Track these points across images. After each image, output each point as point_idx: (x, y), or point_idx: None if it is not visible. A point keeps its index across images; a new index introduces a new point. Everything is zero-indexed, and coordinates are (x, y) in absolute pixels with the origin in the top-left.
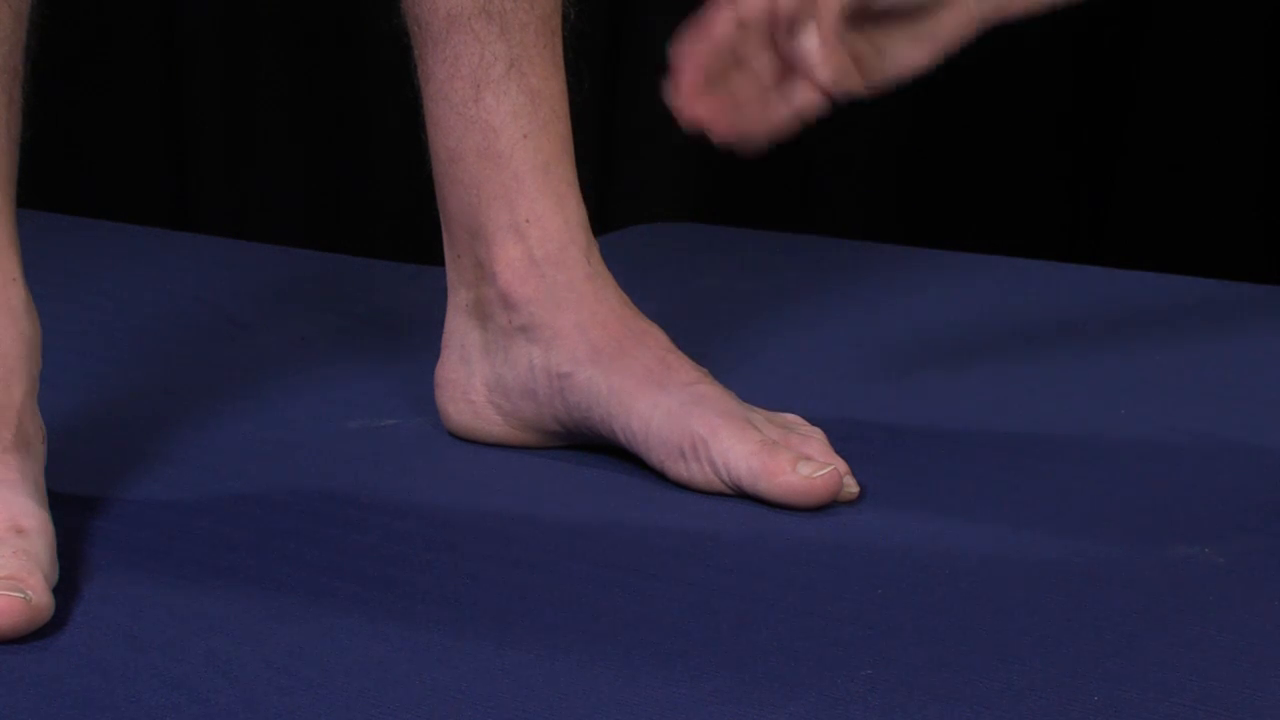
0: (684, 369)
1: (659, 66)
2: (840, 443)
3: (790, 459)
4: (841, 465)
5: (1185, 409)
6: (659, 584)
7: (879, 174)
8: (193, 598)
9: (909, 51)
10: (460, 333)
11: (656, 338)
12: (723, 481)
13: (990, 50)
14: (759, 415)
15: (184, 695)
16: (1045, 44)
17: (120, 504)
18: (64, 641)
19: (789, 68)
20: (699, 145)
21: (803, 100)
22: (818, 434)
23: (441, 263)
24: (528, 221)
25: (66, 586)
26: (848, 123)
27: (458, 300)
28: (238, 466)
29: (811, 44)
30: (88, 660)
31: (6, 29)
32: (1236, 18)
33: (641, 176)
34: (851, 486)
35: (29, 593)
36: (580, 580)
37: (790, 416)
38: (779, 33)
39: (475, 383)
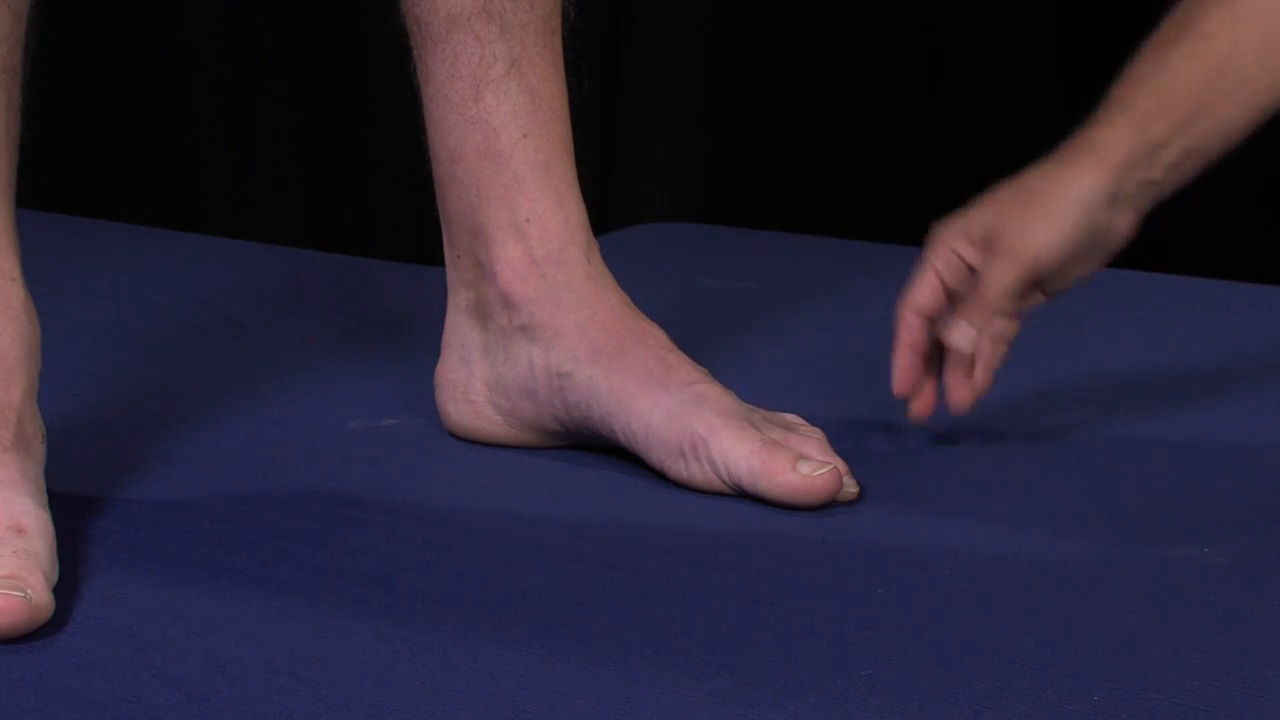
0: (684, 369)
1: (659, 67)
2: (840, 443)
3: (790, 458)
4: (841, 465)
5: (1185, 409)
6: (659, 584)
7: (879, 174)
8: (193, 598)
9: (1085, 266)
10: (460, 333)
11: (656, 337)
12: (723, 481)
13: (990, 50)
14: (759, 415)
15: (184, 695)
16: (1046, 44)
17: (120, 504)
18: (64, 641)
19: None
20: (699, 145)
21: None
22: (818, 434)
23: (441, 263)
24: (528, 221)
25: (66, 586)
26: (847, 122)
27: (458, 300)
28: (238, 466)
29: (962, 335)
30: (88, 660)
31: (6, 29)
32: None
33: (641, 176)
34: (851, 486)
35: (29, 592)
36: (580, 580)
37: (790, 416)
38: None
39: (475, 383)
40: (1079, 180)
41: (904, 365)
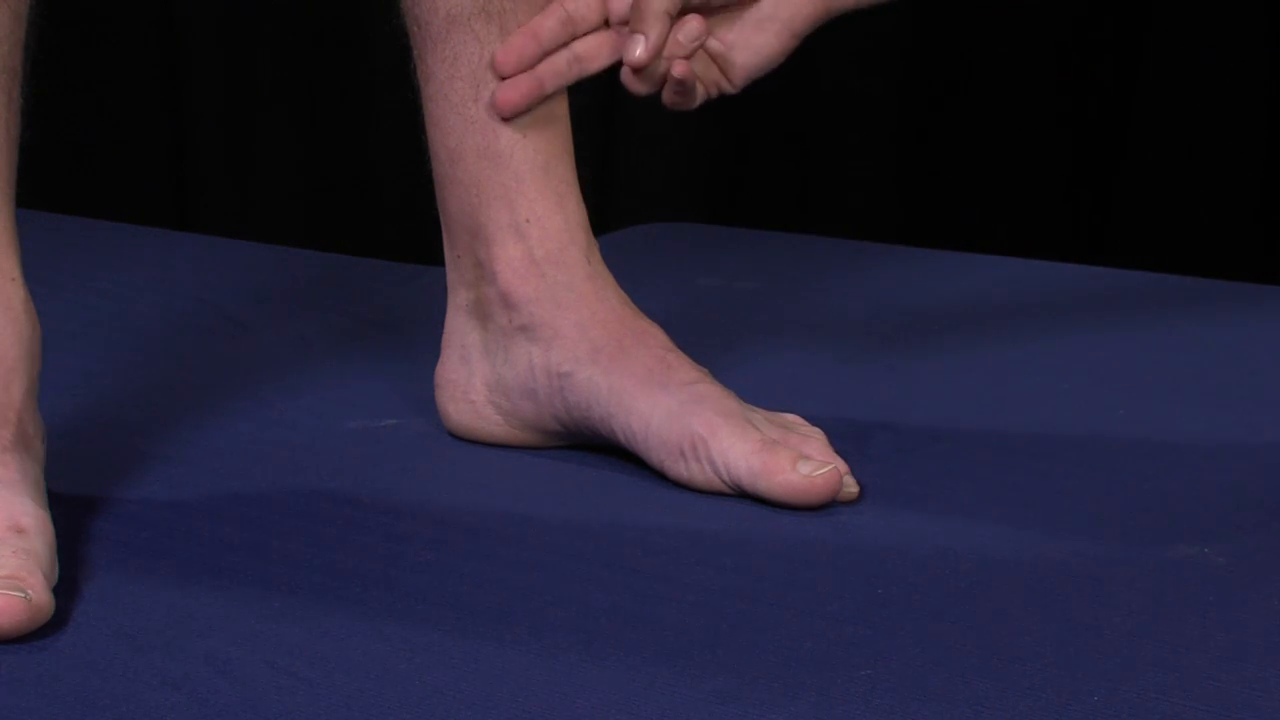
0: (684, 369)
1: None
2: (840, 443)
3: (790, 458)
4: (841, 465)
5: (1185, 409)
6: (659, 584)
7: (879, 174)
8: (193, 598)
9: (761, 41)
10: (460, 333)
11: (656, 337)
12: (723, 481)
13: (990, 50)
14: (759, 415)
15: (184, 695)
16: (1045, 44)
17: (120, 504)
18: (64, 641)
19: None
20: (699, 145)
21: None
22: (818, 434)
23: (441, 263)
24: (528, 221)
25: (66, 586)
26: (847, 122)
27: (458, 300)
28: (238, 466)
29: (637, 50)
30: (88, 660)
31: (6, 29)
32: (1237, 17)
33: (641, 176)
34: (851, 486)
35: (29, 592)
36: (580, 580)
37: (790, 416)
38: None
39: (475, 383)
40: None
41: (520, 50)
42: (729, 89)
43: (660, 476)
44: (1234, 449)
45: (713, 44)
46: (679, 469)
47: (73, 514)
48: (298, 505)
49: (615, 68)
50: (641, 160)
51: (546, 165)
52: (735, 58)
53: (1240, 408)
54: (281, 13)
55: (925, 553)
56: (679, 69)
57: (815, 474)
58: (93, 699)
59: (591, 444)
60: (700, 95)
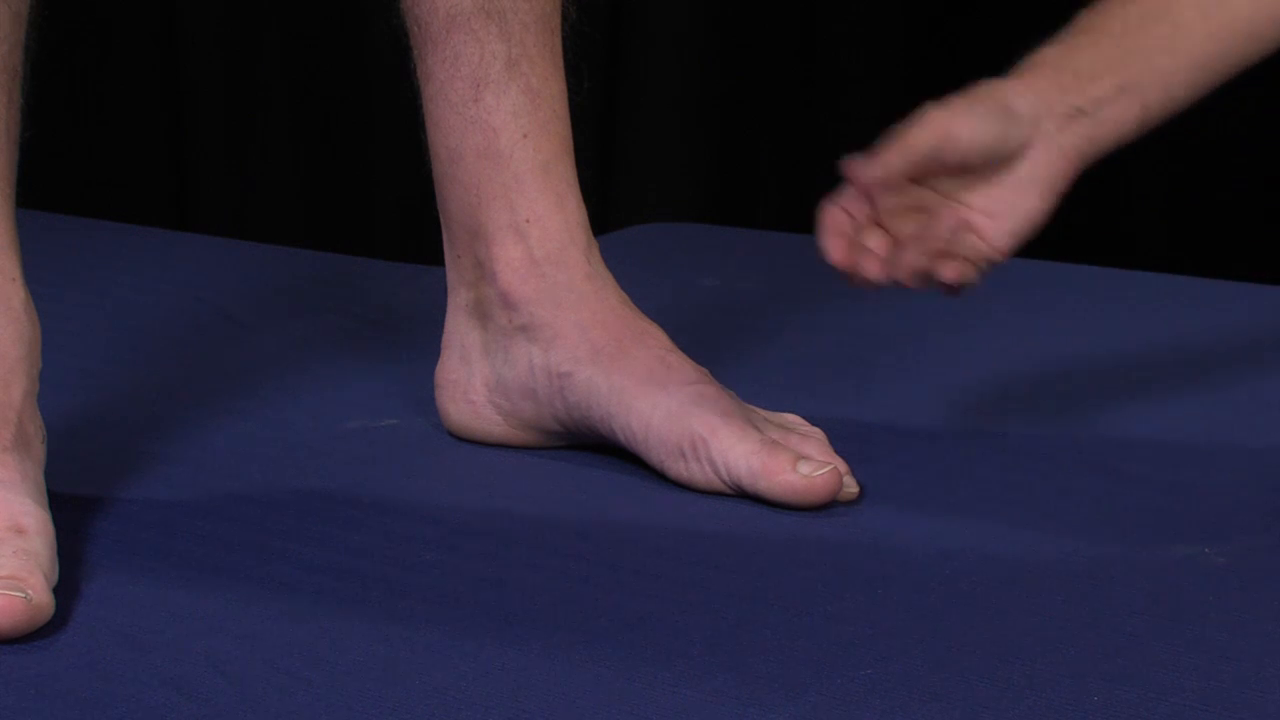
0: (684, 369)
1: (659, 67)
2: (840, 443)
3: (790, 458)
4: (841, 465)
5: (1185, 409)
6: (659, 584)
7: None
8: (193, 598)
9: (1025, 205)
10: (460, 333)
11: (656, 337)
12: (723, 481)
13: (990, 49)
14: (759, 415)
15: (184, 695)
16: (1043, 44)
17: (120, 504)
18: (64, 641)
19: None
20: (699, 145)
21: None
22: (818, 434)
23: (441, 263)
24: (528, 221)
25: (66, 586)
26: (847, 122)
27: (458, 300)
28: (238, 466)
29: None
30: (88, 660)
31: (6, 29)
32: None
33: (641, 176)
34: (851, 486)
35: (29, 592)
36: (580, 580)
37: (790, 416)
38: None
39: (475, 383)
40: (999, 83)
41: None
42: (995, 256)
43: (660, 476)
44: (1234, 449)
45: (971, 217)
46: (679, 469)
47: (73, 514)
48: (298, 505)
49: (614, 57)
50: (641, 160)
51: (546, 165)
52: (998, 224)
53: (1241, 408)
54: (281, 13)
55: (925, 553)
56: (950, 274)
57: (815, 474)
58: (93, 699)
59: (591, 444)
60: (971, 272)
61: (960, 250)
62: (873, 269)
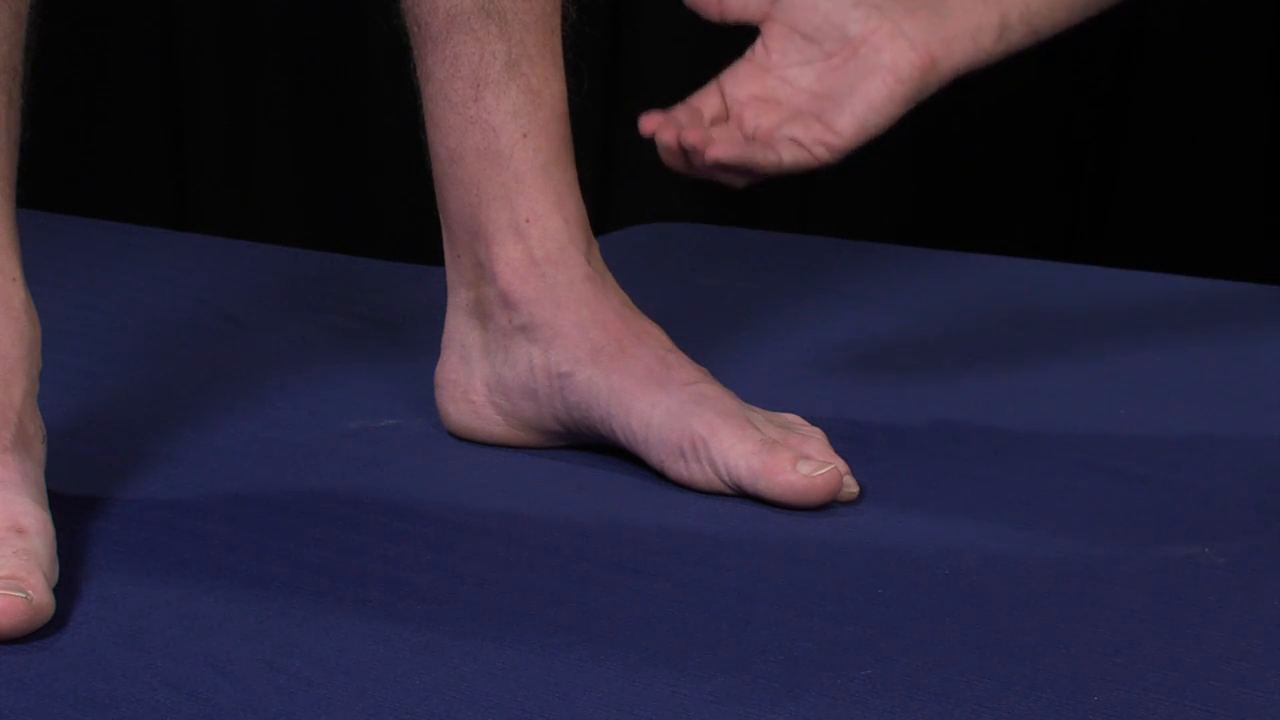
0: (684, 369)
1: (659, 67)
2: (840, 443)
3: (790, 458)
4: (841, 465)
5: (1185, 409)
6: (659, 584)
7: (879, 174)
8: (193, 598)
9: (863, 84)
10: (460, 333)
11: (656, 337)
12: (723, 481)
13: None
14: (759, 415)
15: (184, 695)
16: (1045, 44)
17: (120, 504)
18: (64, 641)
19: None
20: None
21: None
22: (818, 434)
23: (442, 263)
24: (528, 221)
25: (66, 586)
26: None
27: (458, 300)
28: (238, 466)
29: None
30: (88, 660)
31: (6, 29)
32: (1236, 17)
33: (641, 176)
34: (851, 486)
35: (29, 592)
36: (580, 580)
37: (790, 416)
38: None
39: (475, 383)
40: None
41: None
42: (836, 141)
43: (660, 476)
44: (1234, 449)
45: (802, 101)
46: (679, 469)
47: (73, 514)
48: (298, 505)
49: (614, 57)
50: (641, 160)
51: (546, 165)
52: (841, 107)
53: (1241, 408)
54: (281, 12)
55: (925, 553)
56: (714, 153)
57: (815, 474)
58: (93, 699)
59: (591, 444)
60: (790, 159)
61: (795, 135)
62: (691, 136)
